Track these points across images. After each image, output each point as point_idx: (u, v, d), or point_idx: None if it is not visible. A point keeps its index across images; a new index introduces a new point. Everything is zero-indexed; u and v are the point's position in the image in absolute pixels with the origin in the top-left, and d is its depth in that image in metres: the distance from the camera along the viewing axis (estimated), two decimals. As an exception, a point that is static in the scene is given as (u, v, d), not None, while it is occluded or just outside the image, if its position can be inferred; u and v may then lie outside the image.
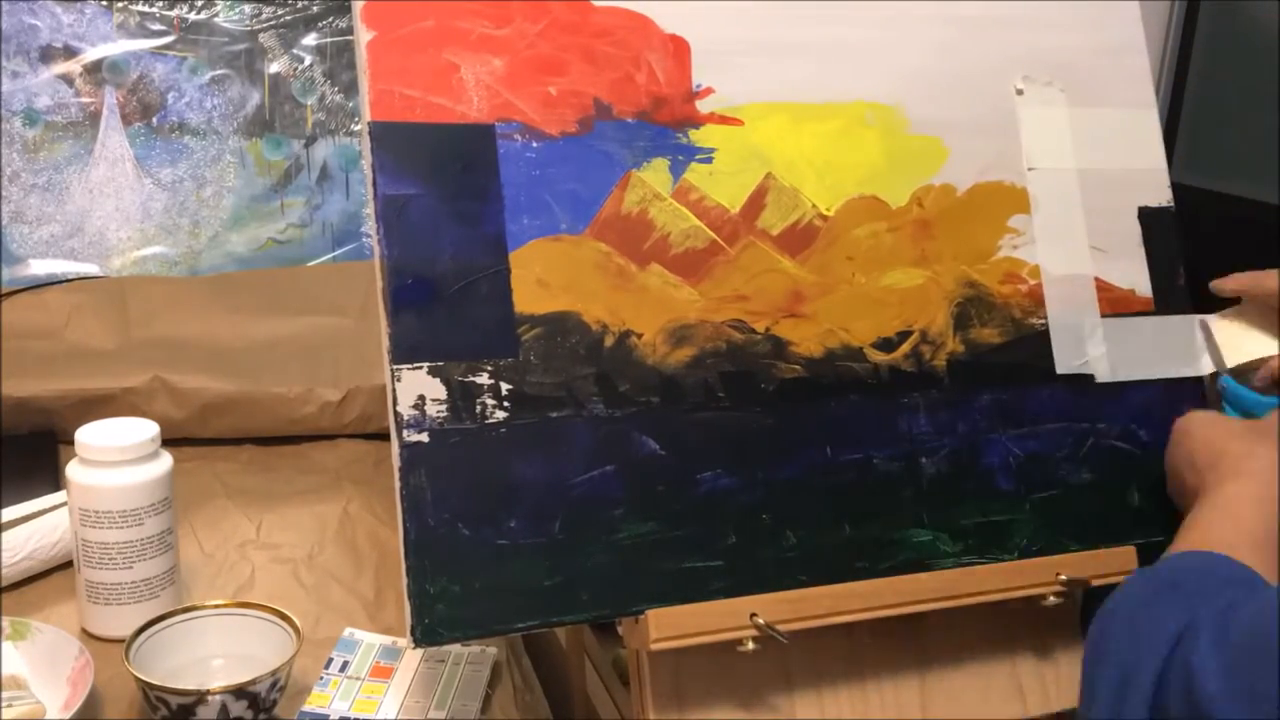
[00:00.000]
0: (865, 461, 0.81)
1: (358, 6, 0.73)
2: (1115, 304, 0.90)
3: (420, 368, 0.71)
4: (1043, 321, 0.88)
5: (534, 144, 0.76)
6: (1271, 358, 0.89)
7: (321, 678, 0.85)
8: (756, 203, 0.81)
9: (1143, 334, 0.91)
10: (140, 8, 1.36)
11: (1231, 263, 0.93)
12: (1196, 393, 0.92)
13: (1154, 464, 0.88)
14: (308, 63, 1.44)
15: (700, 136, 0.80)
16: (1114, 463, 0.88)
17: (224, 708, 0.76)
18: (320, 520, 1.09)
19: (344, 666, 0.86)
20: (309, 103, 1.45)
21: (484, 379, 0.73)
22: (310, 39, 1.43)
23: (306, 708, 0.82)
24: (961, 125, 0.88)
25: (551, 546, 0.72)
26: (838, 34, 0.85)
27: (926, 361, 0.84)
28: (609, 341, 0.76)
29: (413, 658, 0.87)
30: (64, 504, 0.96)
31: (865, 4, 0.86)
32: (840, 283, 0.82)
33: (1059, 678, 0.87)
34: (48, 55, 1.35)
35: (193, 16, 1.38)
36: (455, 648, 0.88)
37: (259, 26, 1.41)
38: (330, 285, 1.40)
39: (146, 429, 0.88)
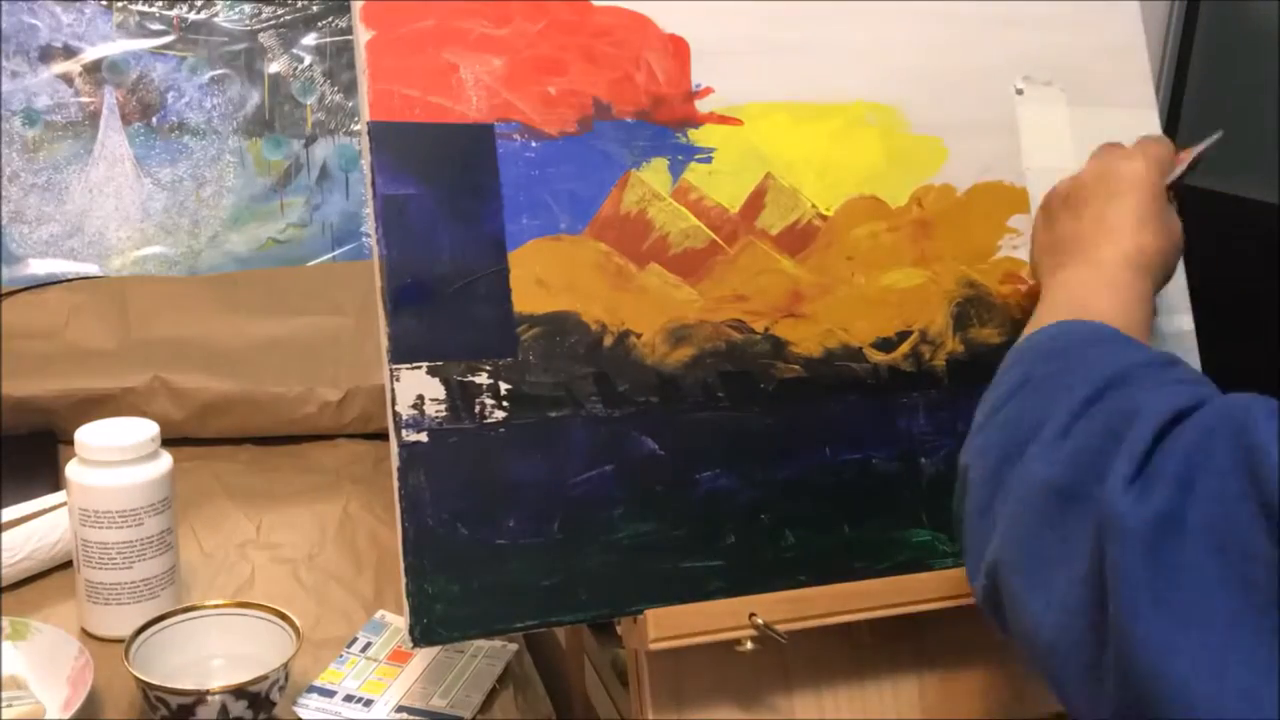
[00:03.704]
0: (865, 461, 0.81)
1: (357, 6, 0.73)
2: (1115, 304, 0.91)
3: (419, 367, 0.71)
4: (1042, 321, 0.88)
5: (533, 144, 0.76)
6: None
7: (341, 655, 0.86)
8: (756, 202, 0.81)
9: (1142, 334, 0.90)
10: (140, 7, 1.36)
11: (1232, 262, 0.93)
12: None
13: (1153, 464, 0.88)
14: (307, 62, 1.44)
15: (700, 136, 0.80)
16: (1113, 463, 0.88)
17: (224, 708, 0.76)
18: (320, 520, 1.09)
19: (366, 647, 0.88)
20: (309, 102, 1.45)
21: (483, 379, 0.73)
22: (310, 39, 1.43)
23: (317, 682, 0.83)
24: (961, 125, 0.88)
25: (550, 546, 0.72)
26: (838, 34, 0.85)
27: (926, 361, 0.84)
28: (608, 341, 0.76)
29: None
30: (64, 504, 0.96)
31: (865, 4, 0.86)
32: (840, 283, 0.82)
33: (1058, 678, 0.87)
34: (47, 55, 1.35)
35: (192, 16, 1.38)
36: (475, 640, 0.89)
37: (259, 26, 1.41)
38: (330, 285, 1.40)
39: (146, 429, 0.88)
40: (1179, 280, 0.94)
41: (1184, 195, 0.97)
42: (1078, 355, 0.63)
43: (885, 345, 0.83)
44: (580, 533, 0.73)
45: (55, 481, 1.08)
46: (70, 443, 0.88)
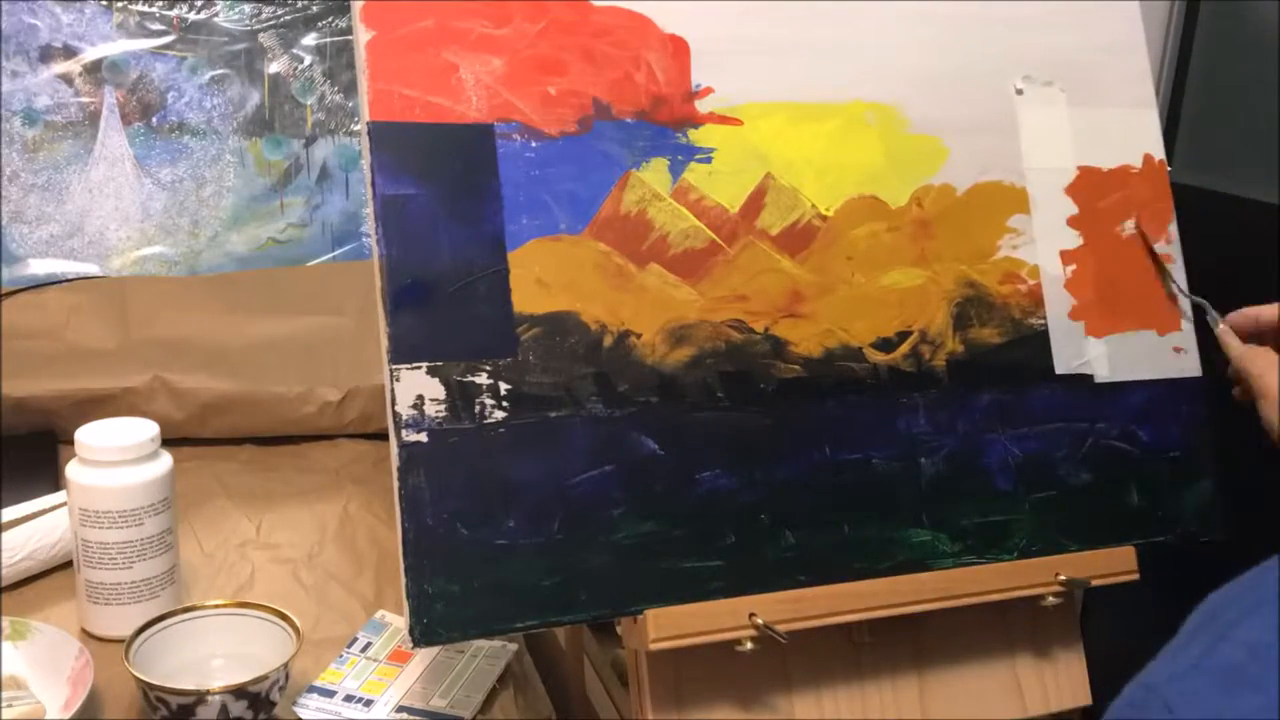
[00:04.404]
0: (864, 461, 0.81)
1: (357, 6, 0.73)
2: (1115, 304, 0.91)
3: (419, 367, 0.71)
4: (1042, 321, 0.88)
5: (533, 144, 0.76)
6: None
7: (341, 655, 0.87)
8: (756, 202, 0.81)
9: (1142, 334, 0.91)
10: (140, 7, 1.36)
11: (1231, 263, 0.93)
12: (1196, 393, 0.92)
13: (1154, 464, 0.89)
14: (308, 62, 1.44)
15: (699, 136, 0.80)
16: (1113, 463, 0.88)
17: (224, 708, 0.76)
18: (320, 520, 1.09)
19: (366, 647, 0.88)
20: (309, 103, 1.45)
21: (483, 379, 0.73)
22: (310, 39, 1.43)
23: (317, 682, 0.83)
24: (961, 125, 0.88)
25: (550, 546, 0.72)
26: (837, 34, 0.85)
27: (926, 361, 0.84)
28: (608, 341, 0.76)
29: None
30: (64, 504, 0.96)
31: (865, 4, 0.86)
32: (839, 282, 0.82)
33: (1058, 677, 0.87)
34: (47, 55, 1.35)
35: (193, 16, 1.38)
36: (475, 640, 0.89)
37: (259, 26, 1.41)
38: (330, 285, 1.40)
39: (146, 429, 0.88)
40: (1179, 280, 0.94)
41: (1184, 198, 0.97)
42: None
43: (885, 345, 0.83)
44: (580, 533, 0.73)
45: (55, 481, 1.08)
46: (70, 443, 0.88)
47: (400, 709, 0.82)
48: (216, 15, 1.39)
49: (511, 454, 0.72)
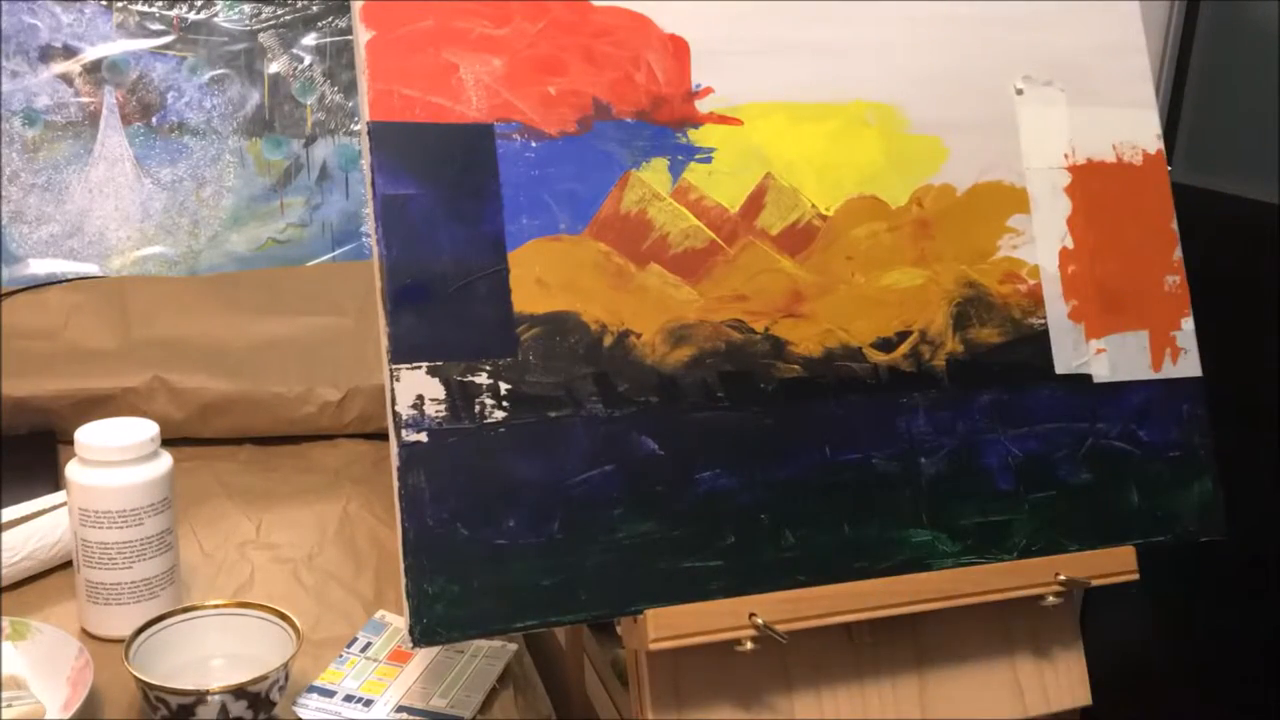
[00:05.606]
0: (864, 461, 0.81)
1: (357, 6, 0.73)
2: (1115, 304, 0.91)
3: (419, 367, 0.71)
4: (1042, 321, 0.88)
5: (533, 144, 0.76)
6: None
7: (341, 655, 0.87)
8: (756, 202, 0.81)
9: (1142, 334, 0.91)
10: (140, 7, 1.36)
11: (1231, 263, 0.93)
12: (1196, 393, 0.92)
13: (1153, 464, 0.89)
14: (307, 62, 1.44)
15: (699, 136, 0.80)
16: (1113, 463, 0.88)
17: (224, 708, 0.76)
18: (320, 520, 1.09)
19: (366, 647, 0.88)
20: (309, 102, 1.45)
21: (483, 379, 0.73)
22: (310, 39, 1.43)
23: (317, 682, 0.83)
24: (961, 125, 0.88)
25: (550, 546, 0.72)
26: (837, 34, 0.85)
27: (926, 361, 0.84)
28: (608, 341, 0.76)
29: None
30: (64, 504, 0.96)
31: (865, 4, 0.86)
32: (839, 282, 0.83)
33: (1058, 677, 0.87)
34: (47, 55, 1.35)
35: (192, 16, 1.38)
36: (475, 640, 0.89)
37: (259, 26, 1.41)
38: (330, 285, 1.40)
39: (146, 429, 0.88)
40: (1179, 279, 0.94)
41: (1184, 198, 0.97)
42: None
43: (885, 345, 0.83)
44: (580, 533, 0.73)
45: (55, 481, 1.08)
46: (70, 443, 0.88)
47: (400, 709, 0.82)
48: (216, 15, 1.39)
49: (511, 454, 0.72)
